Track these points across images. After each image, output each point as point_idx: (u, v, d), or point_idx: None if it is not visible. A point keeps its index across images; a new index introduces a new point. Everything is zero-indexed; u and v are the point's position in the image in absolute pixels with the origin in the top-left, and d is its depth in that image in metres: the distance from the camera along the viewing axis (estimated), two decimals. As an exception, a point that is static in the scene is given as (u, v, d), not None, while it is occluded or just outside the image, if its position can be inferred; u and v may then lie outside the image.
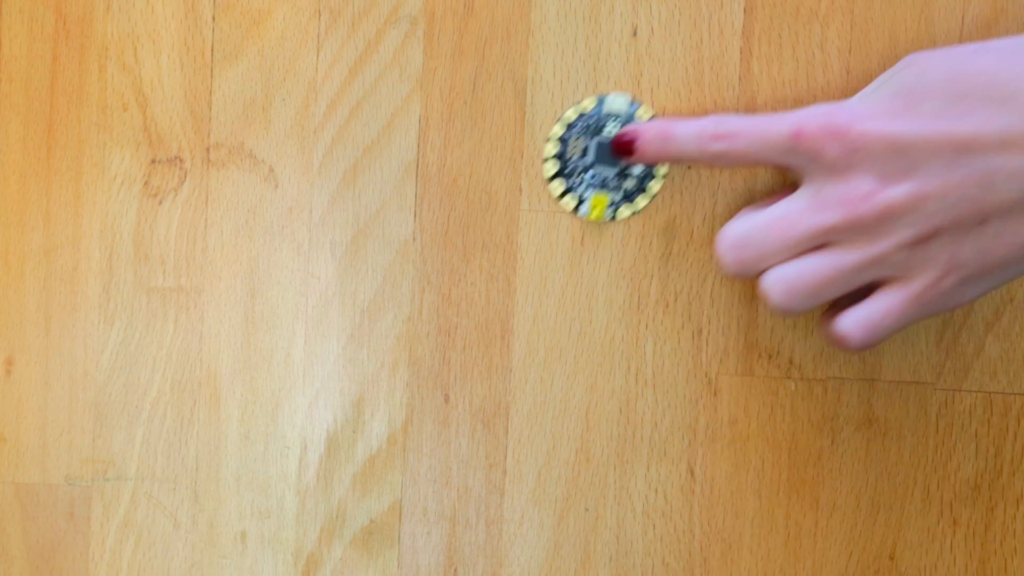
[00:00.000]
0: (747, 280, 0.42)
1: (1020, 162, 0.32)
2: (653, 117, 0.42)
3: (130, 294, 0.44)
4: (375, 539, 0.44)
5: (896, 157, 0.33)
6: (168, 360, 0.44)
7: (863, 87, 0.43)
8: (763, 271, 0.37)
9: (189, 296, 0.44)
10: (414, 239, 0.44)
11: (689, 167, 0.43)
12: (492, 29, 0.43)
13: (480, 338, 0.44)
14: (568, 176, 0.42)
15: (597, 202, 0.42)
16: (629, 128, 0.41)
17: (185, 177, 0.44)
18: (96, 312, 0.44)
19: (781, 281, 0.36)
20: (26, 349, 0.44)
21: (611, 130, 0.42)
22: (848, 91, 0.43)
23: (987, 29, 0.43)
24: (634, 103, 0.42)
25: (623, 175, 0.42)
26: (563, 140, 0.43)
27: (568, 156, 0.42)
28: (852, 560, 0.44)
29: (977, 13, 0.43)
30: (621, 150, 0.41)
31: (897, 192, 0.33)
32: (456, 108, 0.43)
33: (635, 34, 0.43)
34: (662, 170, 0.43)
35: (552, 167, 0.42)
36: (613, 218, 0.43)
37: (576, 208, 0.43)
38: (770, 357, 0.43)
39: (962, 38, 0.43)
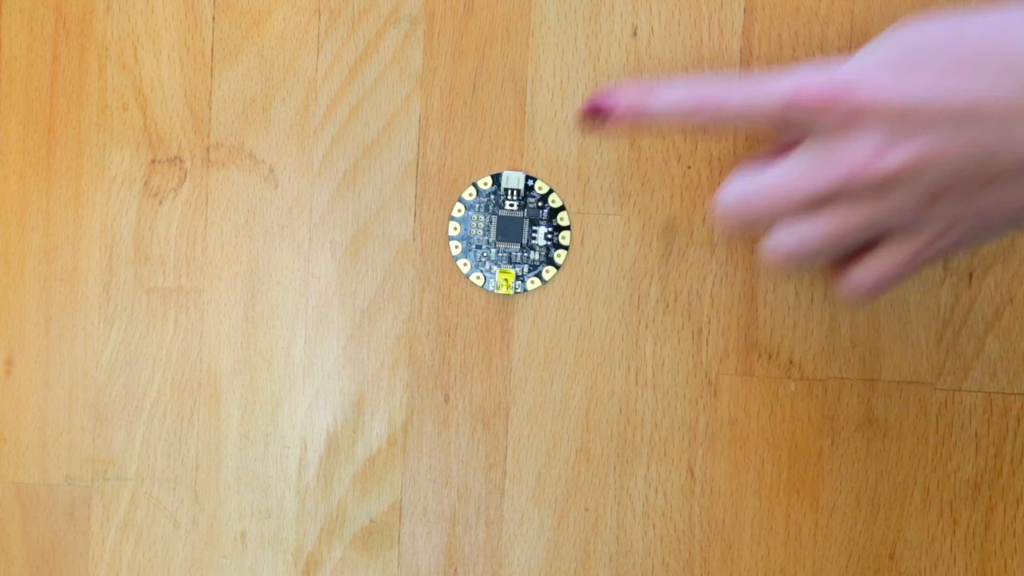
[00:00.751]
0: (745, 236, 0.41)
1: (1022, 132, 0.31)
2: (551, 191, 0.43)
3: (130, 294, 0.44)
4: (375, 539, 0.44)
5: (901, 120, 0.32)
6: (168, 360, 0.44)
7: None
8: (763, 228, 0.36)
9: (189, 296, 0.44)
10: (414, 239, 0.44)
11: (689, 167, 0.43)
12: (492, 29, 0.43)
13: (480, 338, 0.44)
14: (473, 254, 0.43)
15: (503, 278, 0.43)
16: (602, 95, 0.37)
17: (185, 177, 0.44)
18: (96, 312, 0.44)
19: (786, 242, 0.36)
20: (26, 349, 0.44)
21: (510, 206, 0.43)
22: (848, 91, 0.43)
23: (987, 29, 0.43)
24: (531, 178, 0.43)
25: (528, 248, 0.43)
26: (464, 220, 0.43)
27: (471, 235, 0.43)
28: (852, 560, 0.44)
29: (977, 13, 0.43)
30: (594, 116, 0.37)
31: (902, 155, 0.32)
32: (456, 108, 0.43)
33: (635, 34, 0.43)
34: (566, 240, 0.43)
35: (456, 247, 0.43)
36: (524, 290, 0.43)
37: (485, 284, 0.43)
38: (770, 357, 0.43)
39: (962, 38, 0.43)
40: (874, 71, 0.33)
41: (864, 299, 0.37)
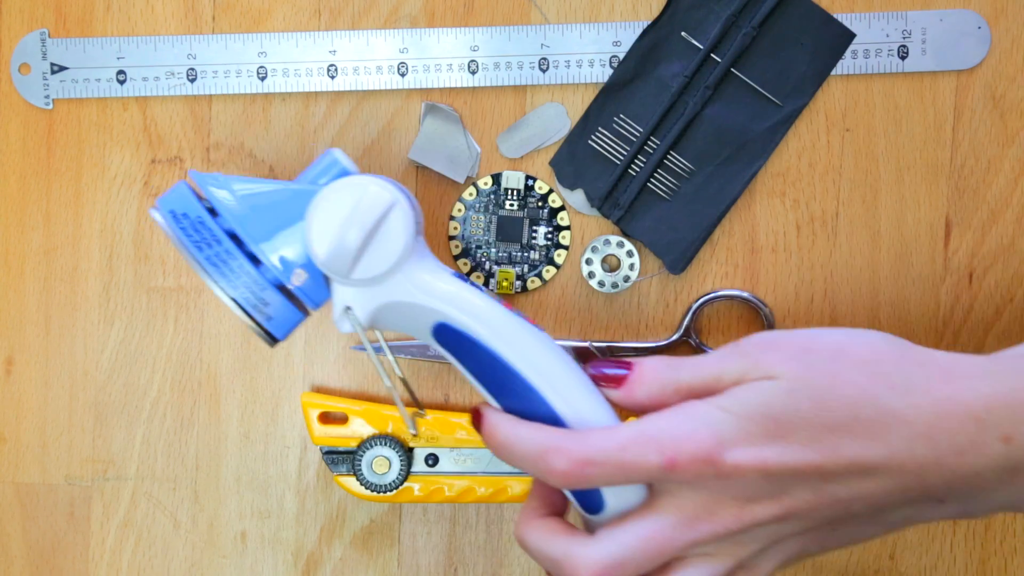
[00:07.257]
0: None
1: (877, 487, 0.34)
2: (551, 191, 0.43)
3: (130, 294, 0.44)
4: (375, 539, 0.44)
5: (767, 483, 0.34)
6: (168, 360, 0.44)
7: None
8: None
9: (189, 296, 0.44)
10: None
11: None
12: (492, 29, 0.43)
13: (480, 338, 0.44)
14: (473, 254, 0.43)
15: (503, 277, 0.43)
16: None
17: (185, 177, 0.44)
18: (96, 312, 0.44)
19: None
20: (26, 349, 0.44)
21: (510, 206, 0.43)
22: (849, 91, 0.43)
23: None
24: (531, 178, 0.43)
25: (528, 248, 0.43)
26: (464, 219, 0.43)
27: (471, 234, 0.43)
28: (852, 560, 0.44)
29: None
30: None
31: (764, 511, 0.34)
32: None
33: (635, 34, 0.43)
34: (566, 239, 0.43)
35: (456, 247, 0.43)
36: (524, 290, 0.43)
37: (486, 283, 0.43)
38: (770, 357, 0.43)
39: (962, 38, 0.43)
40: (746, 433, 0.34)
41: None
